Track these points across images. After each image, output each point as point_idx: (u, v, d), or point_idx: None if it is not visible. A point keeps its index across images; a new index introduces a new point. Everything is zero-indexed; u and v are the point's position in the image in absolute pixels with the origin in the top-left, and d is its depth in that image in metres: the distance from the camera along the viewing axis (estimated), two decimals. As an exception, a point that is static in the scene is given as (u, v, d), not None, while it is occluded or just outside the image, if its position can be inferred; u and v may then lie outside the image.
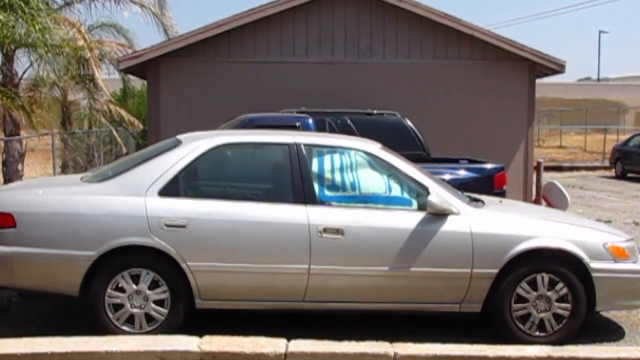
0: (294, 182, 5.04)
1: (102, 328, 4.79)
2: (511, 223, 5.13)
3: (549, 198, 9.23)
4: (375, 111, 9.70)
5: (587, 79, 55.28)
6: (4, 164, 12.82)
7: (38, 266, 4.83)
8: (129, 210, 4.83)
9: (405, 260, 4.92)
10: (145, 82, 15.01)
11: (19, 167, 12.83)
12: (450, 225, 4.96)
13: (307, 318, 5.22)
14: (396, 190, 5.17)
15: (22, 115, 11.24)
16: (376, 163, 5.26)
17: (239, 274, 4.88)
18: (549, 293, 5.01)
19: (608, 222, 10.60)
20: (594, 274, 5.01)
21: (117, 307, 4.83)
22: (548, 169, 19.06)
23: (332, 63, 11.97)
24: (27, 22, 9.43)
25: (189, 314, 4.92)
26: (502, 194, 7.63)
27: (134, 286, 4.83)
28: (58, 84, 16.51)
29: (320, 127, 8.74)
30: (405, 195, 5.17)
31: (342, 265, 4.90)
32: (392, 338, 4.71)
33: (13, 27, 9.38)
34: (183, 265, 4.81)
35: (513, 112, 12.02)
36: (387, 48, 12.07)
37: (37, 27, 9.58)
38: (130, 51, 16.06)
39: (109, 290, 4.80)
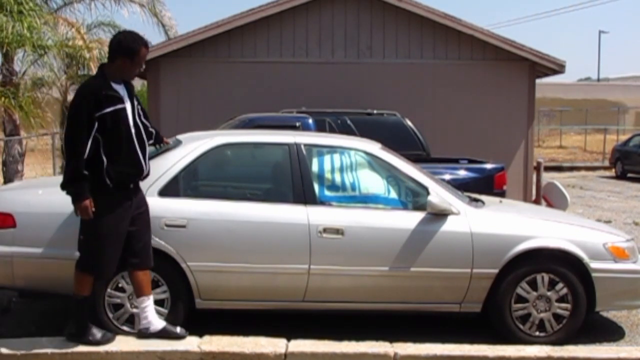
0: (294, 182, 5.04)
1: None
2: (511, 223, 5.13)
3: (549, 198, 9.23)
4: (375, 111, 9.71)
5: (587, 79, 55.33)
6: (4, 164, 12.81)
7: (38, 266, 4.82)
8: (129, 210, 4.82)
9: (405, 260, 4.92)
10: (145, 82, 15.02)
11: (19, 167, 12.82)
12: (450, 226, 4.96)
13: (307, 318, 5.21)
14: (396, 190, 5.17)
15: (18, 114, 11.21)
16: (376, 163, 5.25)
17: (239, 274, 4.87)
18: (549, 293, 5.01)
19: (608, 222, 10.60)
20: (593, 274, 5.00)
21: (117, 307, 4.82)
22: (548, 169, 19.06)
23: (332, 63, 11.98)
24: (16, 19, 9.43)
25: (189, 314, 4.91)
26: (502, 194, 7.63)
27: (134, 286, 4.83)
28: (55, 84, 16.51)
29: (320, 127, 8.74)
30: (405, 196, 5.16)
31: (342, 265, 4.90)
32: (392, 338, 4.72)
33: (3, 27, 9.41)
34: (183, 265, 4.81)
35: (513, 112, 12.03)
36: (387, 48, 12.08)
37: (25, 25, 9.57)
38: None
39: (109, 290, 4.79)
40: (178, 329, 4.64)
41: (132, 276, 4.59)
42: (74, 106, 4.32)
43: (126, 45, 4.41)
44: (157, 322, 4.61)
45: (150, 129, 4.79)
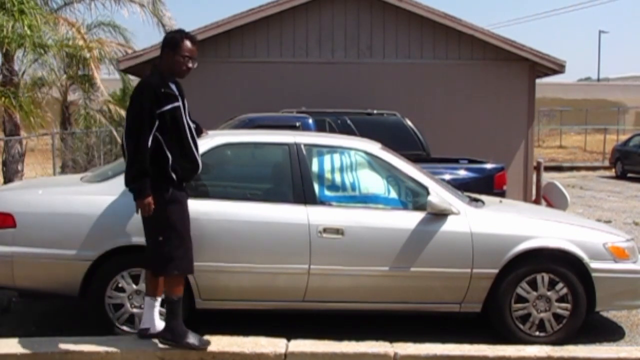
0: (294, 182, 5.04)
1: (102, 328, 4.78)
2: (511, 223, 5.13)
3: (549, 198, 9.23)
4: (375, 111, 9.71)
5: (587, 79, 55.33)
6: (4, 164, 12.80)
7: (38, 266, 4.83)
8: (128, 211, 4.79)
9: (405, 260, 4.92)
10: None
11: (19, 167, 12.80)
12: (450, 226, 4.96)
13: (307, 318, 5.21)
14: (396, 190, 5.17)
15: (18, 114, 11.21)
16: (376, 163, 5.25)
17: (239, 274, 4.87)
18: (549, 293, 5.01)
19: (608, 222, 10.60)
20: (593, 274, 5.00)
21: (117, 307, 4.83)
22: (548, 169, 19.06)
23: (332, 63, 11.98)
24: (17, 19, 9.42)
25: (189, 314, 4.91)
26: (502, 194, 7.63)
27: (134, 286, 4.83)
28: (56, 84, 16.51)
29: (320, 127, 8.74)
30: (405, 196, 5.16)
31: (342, 265, 4.90)
32: (392, 338, 4.72)
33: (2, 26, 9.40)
34: (183, 265, 4.80)
35: (513, 112, 12.03)
36: (387, 48, 12.08)
37: (25, 24, 9.56)
38: (129, 50, 16.06)
39: (109, 290, 4.80)
40: None
41: (151, 274, 4.56)
42: (135, 104, 4.34)
43: (169, 37, 4.51)
44: (158, 324, 4.60)
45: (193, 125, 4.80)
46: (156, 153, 4.31)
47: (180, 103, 4.45)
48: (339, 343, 4.59)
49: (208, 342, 4.51)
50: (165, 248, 4.37)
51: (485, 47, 12.00)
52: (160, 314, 4.74)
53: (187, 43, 4.47)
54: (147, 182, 4.27)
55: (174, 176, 4.36)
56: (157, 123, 4.29)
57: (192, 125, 4.69)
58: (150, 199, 4.28)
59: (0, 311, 5.63)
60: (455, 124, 11.89)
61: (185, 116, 4.51)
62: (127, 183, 4.35)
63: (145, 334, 4.56)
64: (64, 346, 4.48)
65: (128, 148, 4.33)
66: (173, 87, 4.46)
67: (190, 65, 4.49)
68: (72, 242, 4.77)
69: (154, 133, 4.29)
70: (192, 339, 4.45)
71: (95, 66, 14.63)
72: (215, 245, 4.84)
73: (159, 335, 4.49)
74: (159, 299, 4.60)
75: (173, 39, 4.46)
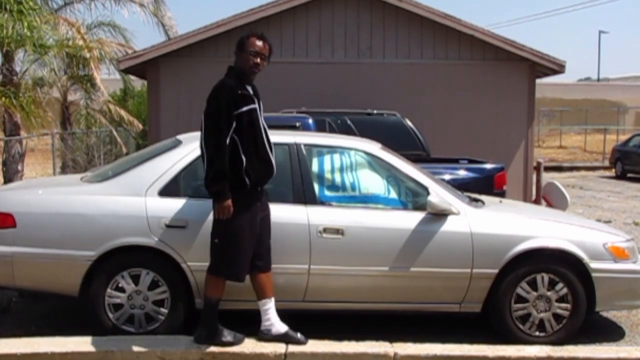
0: (294, 182, 5.04)
1: (102, 328, 4.78)
2: (511, 223, 5.13)
3: (549, 198, 9.23)
4: (375, 111, 9.71)
5: (587, 79, 55.29)
6: (4, 164, 12.79)
7: (38, 266, 4.83)
8: (128, 210, 4.82)
9: (405, 260, 4.92)
10: (145, 82, 15.01)
11: (19, 167, 12.79)
12: (450, 226, 4.96)
13: (307, 318, 5.21)
14: (396, 190, 5.17)
15: (19, 114, 11.20)
16: (376, 163, 5.25)
17: (239, 274, 4.86)
18: (548, 293, 5.01)
19: (608, 222, 10.60)
20: (593, 274, 5.01)
21: (117, 307, 4.83)
22: (548, 169, 19.06)
23: (332, 63, 11.97)
24: (17, 19, 9.41)
25: (189, 314, 4.91)
26: (502, 194, 7.63)
27: (134, 286, 4.83)
28: (56, 84, 16.51)
29: (320, 127, 8.73)
30: (405, 196, 5.16)
31: (342, 265, 4.90)
32: (392, 338, 4.72)
33: (2, 25, 9.39)
34: (183, 266, 4.81)
35: (513, 112, 12.02)
36: (387, 48, 12.07)
37: (25, 24, 9.55)
38: (128, 50, 16.06)
39: (108, 290, 4.80)
40: (299, 335, 4.61)
41: (255, 279, 4.58)
42: (213, 105, 4.32)
43: (238, 39, 4.53)
44: (279, 325, 4.59)
45: None
46: (231, 155, 4.29)
47: (256, 105, 4.44)
48: (339, 343, 4.60)
49: (243, 338, 4.55)
50: (219, 251, 4.40)
51: (485, 47, 11.99)
52: (160, 314, 4.74)
53: (253, 39, 4.48)
54: (226, 185, 4.26)
55: (246, 180, 4.34)
56: (234, 124, 4.28)
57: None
58: (229, 202, 4.27)
59: (0, 311, 5.63)
60: (455, 124, 11.88)
61: (261, 118, 4.49)
62: (208, 186, 4.32)
63: (267, 335, 4.58)
64: (64, 346, 4.48)
65: (207, 150, 4.30)
66: (249, 89, 4.45)
67: (257, 61, 4.47)
68: (72, 242, 4.77)
69: (231, 135, 4.27)
70: (227, 336, 4.49)
71: (96, 66, 14.63)
72: (215, 245, 4.83)
73: (194, 336, 4.55)
74: (273, 299, 4.60)
75: (240, 39, 4.50)
